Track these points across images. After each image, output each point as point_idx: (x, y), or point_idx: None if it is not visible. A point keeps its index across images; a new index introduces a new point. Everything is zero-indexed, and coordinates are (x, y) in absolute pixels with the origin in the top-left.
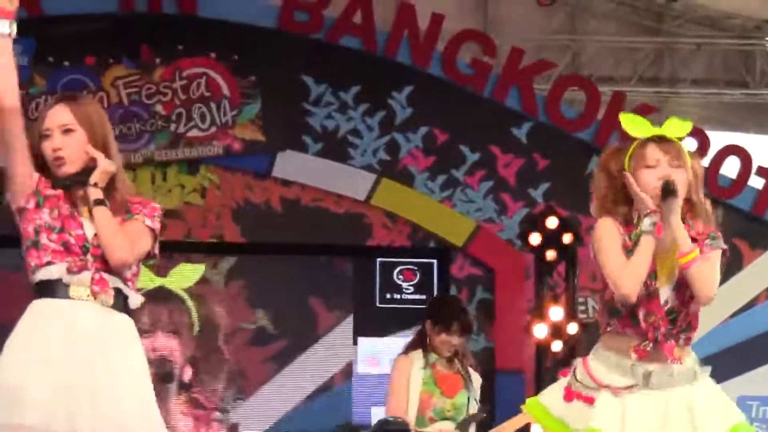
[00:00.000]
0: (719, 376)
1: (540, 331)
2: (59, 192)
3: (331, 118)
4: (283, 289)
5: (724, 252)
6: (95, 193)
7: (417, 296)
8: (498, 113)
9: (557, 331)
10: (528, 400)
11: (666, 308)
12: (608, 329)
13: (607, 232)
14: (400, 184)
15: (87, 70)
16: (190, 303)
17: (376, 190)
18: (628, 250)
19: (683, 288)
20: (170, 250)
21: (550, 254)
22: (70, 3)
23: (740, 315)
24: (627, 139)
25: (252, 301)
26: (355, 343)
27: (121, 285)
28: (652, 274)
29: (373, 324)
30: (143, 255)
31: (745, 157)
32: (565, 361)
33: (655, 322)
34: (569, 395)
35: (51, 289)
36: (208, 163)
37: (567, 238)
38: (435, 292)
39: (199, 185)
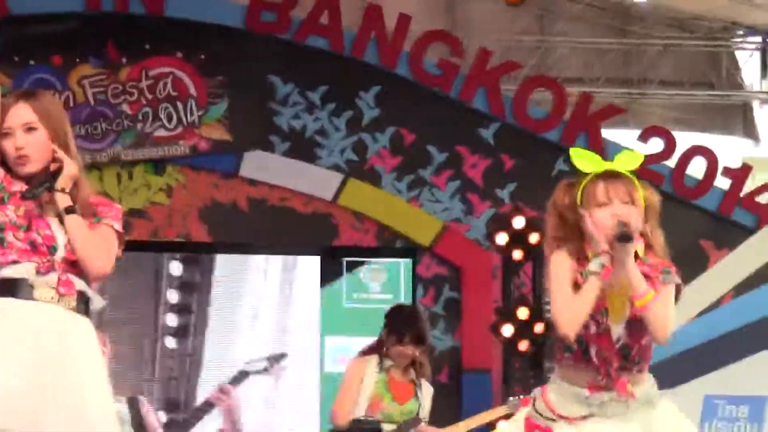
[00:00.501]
0: (685, 376)
1: (507, 330)
2: (23, 189)
3: (299, 117)
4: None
5: (678, 286)
6: (64, 200)
7: (384, 296)
8: (465, 114)
9: (524, 330)
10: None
11: (618, 345)
12: (563, 362)
13: (558, 267)
14: (367, 184)
15: (53, 70)
16: None
17: (343, 190)
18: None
19: (635, 324)
20: (137, 250)
21: (517, 254)
22: (37, 2)
23: (705, 315)
24: (595, 140)
25: None
26: (322, 343)
27: (85, 287)
28: (603, 311)
29: (340, 323)
30: (113, 259)
31: (711, 158)
32: (532, 360)
33: (608, 358)
34: (529, 427)
35: (15, 287)
36: (175, 163)
37: (534, 238)
38: (402, 292)
39: (166, 185)
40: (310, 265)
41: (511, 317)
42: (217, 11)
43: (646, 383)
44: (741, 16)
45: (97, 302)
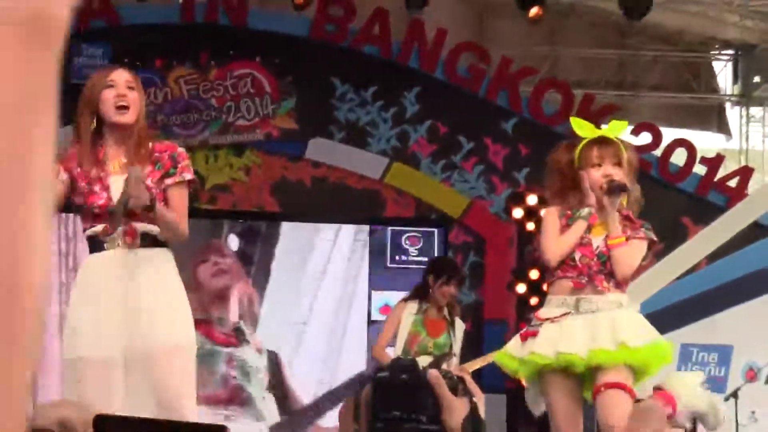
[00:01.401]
0: (666, 326)
1: (520, 288)
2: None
3: (353, 111)
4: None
5: (652, 241)
6: (145, 204)
7: (421, 258)
8: (490, 110)
9: (534, 288)
10: (497, 352)
11: (596, 252)
12: (553, 280)
13: (549, 219)
14: (408, 167)
15: (155, 71)
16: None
17: (388, 171)
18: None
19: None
20: (220, 218)
21: (530, 226)
22: (142, 15)
23: (684, 278)
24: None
25: None
26: (369, 296)
27: (148, 228)
28: (586, 230)
29: (384, 281)
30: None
31: (690, 149)
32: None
33: (588, 263)
34: (523, 338)
35: (95, 245)
36: (252, 147)
37: (544, 213)
38: (436, 255)
39: (245, 165)
40: (361, 232)
41: (524, 278)
42: (289, 23)
43: (620, 294)
44: (717, 33)
45: (162, 235)
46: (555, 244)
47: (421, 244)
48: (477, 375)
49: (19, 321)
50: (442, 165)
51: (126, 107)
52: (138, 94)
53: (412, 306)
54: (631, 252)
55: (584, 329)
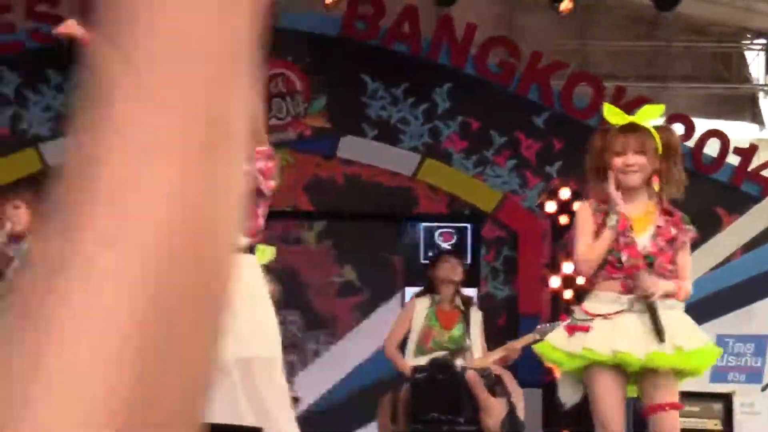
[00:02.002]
0: (702, 317)
1: (554, 282)
2: None
3: (385, 109)
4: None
5: (694, 237)
6: None
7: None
8: (521, 105)
9: (568, 282)
10: (539, 344)
11: (644, 253)
12: (599, 280)
13: (582, 219)
14: (440, 163)
15: None
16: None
17: (421, 167)
18: (594, 233)
19: (659, 240)
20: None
21: (563, 219)
22: None
23: (719, 268)
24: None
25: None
26: (402, 292)
27: None
28: (629, 228)
29: (417, 276)
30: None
31: (723, 140)
32: (574, 305)
33: (636, 264)
34: (570, 330)
35: None
36: (285, 146)
37: (577, 207)
38: (469, 251)
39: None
40: (394, 228)
41: (558, 271)
42: (319, 23)
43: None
44: (748, 22)
45: (241, 242)
46: (587, 250)
47: (454, 239)
48: (513, 369)
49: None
50: (475, 160)
51: None
52: None
53: (424, 301)
54: (687, 267)
55: (639, 328)
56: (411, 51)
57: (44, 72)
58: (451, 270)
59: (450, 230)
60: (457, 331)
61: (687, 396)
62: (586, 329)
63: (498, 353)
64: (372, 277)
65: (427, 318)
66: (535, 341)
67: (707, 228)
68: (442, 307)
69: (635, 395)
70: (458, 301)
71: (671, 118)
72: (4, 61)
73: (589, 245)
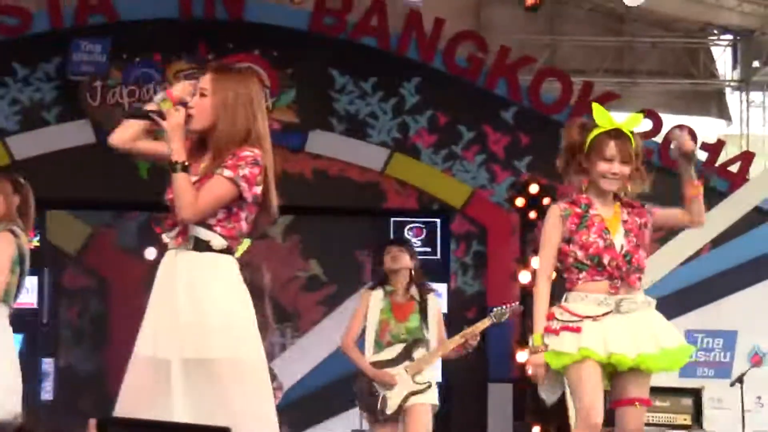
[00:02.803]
0: (671, 313)
1: (524, 277)
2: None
3: (353, 103)
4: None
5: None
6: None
7: (424, 249)
8: (489, 99)
9: None
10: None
11: (622, 253)
12: (579, 281)
13: (549, 225)
14: (409, 158)
15: (154, 65)
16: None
17: (389, 162)
18: (568, 239)
19: (630, 236)
20: None
21: (532, 214)
22: (141, 10)
23: (688, 264)
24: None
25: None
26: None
27: (199, 232)
28: (605, 230)
29: None
30: (214, 205)
31: (691, 135)
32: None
33: (618, 264)
34: (557, 331)
35: (165, 244)
36: None
37: (546, 201)
38: (438, 246)
39: None
40: (362, 224)
41: (527, 266)
42: (286, 16)
43: (642, 291)
44: (715, 18)
45: (217, 242)
46: (545, 263)
47: (424, 234)
48: (484, 365)
49: None
50: (444, 155)
51: (191, 116)
52: (213, 98)
53: (377, 294)
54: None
55: (626, 330)
56: (379, 45)
57: (10, 65)
58: (394, 259)
59: (420, 225)
60: (413, 322)
61: (657, 391)
62: (578, 330)
63: (455, 341)
64: (339, 272)
65: (382, 311)
66: (492, 325)
67: None
68: (396, 299)
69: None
70: (413, 291)
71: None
72: None
73: (549, 262)
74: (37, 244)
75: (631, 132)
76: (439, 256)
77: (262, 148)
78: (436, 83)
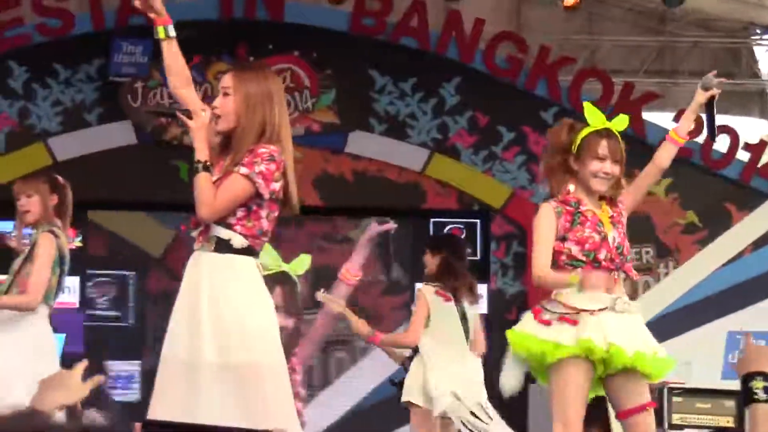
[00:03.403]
0: (711, 315)
1: None
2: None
3: (393, 104)
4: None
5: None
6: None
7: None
8: (529, 100)
9: None
10: (508, 332)
11: (614, 245)
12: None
13: (543, 224)
14: (449, 158)
15: (194, 67)
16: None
17: (429, 163)
18: (562, 237)
19: (618, 226)
20: None
21: None
22: (181, 11)
23: (729, 265)
24: (637, 121)
25: None
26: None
27: (220, 232)
28: (599, 223)
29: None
30: (231, 203)
31: (733, 135)
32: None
33: (613, 258)
34: (550, 322)
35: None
36: (293, 142)
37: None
38: (479, 246)
39: None
40: (403, 224)
41: None
42: (327, 17)
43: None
44: (758, 18)
45: (238, 241)
46: (544, 269)
47: (464, 235)
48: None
49: None
50: (483, 156)
51: (218, 117)
52: (236, 96)
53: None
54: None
55: (623, 329)
56: (419, 46)
57: (52, 66)
58: (428, 266)
59: (459, 226)
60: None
61: (698, 393)
62: (575, 323)
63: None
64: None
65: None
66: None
67: (717, 224)
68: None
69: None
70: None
71: (680, 114)
72: (12, 56)
73: (545, 258)
74: (79, 244)
75: (619, 133)
76: (479, 256)
77: (280, 143)
78: (475, 84)
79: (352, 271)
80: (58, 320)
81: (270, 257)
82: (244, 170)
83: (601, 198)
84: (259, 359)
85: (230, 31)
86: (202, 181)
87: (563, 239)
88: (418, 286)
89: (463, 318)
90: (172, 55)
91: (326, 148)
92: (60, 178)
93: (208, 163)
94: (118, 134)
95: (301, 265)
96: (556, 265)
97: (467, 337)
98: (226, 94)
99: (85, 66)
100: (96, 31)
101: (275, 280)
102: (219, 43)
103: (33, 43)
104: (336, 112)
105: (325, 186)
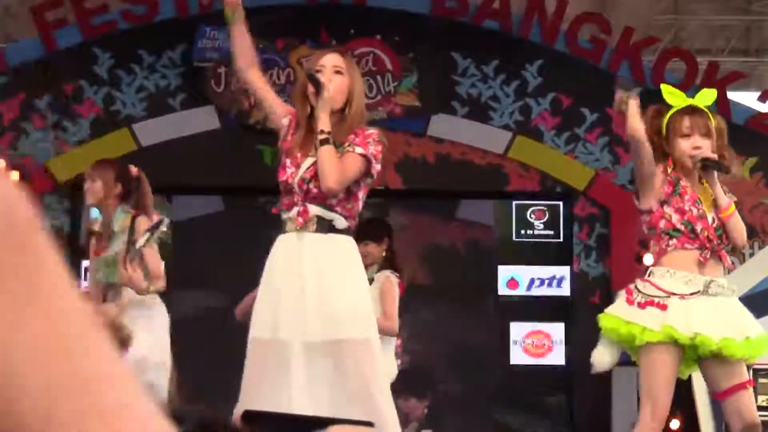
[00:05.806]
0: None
1: (648, 259)
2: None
3: (475, 86)
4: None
5: (736, 203)
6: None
7: (546, 231)
8: (612, 81)
9: None
10: (600, 315)
11: (714, 225)
12: (668, 249)
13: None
14: (532, 140)
15: (277, 51)
16: None
17: (512, 145)
18: (663, 201)
19: (718, 211)
20: None
21: None
22: None
23: None
24: (723, 100)
25: None
26: (495, 270)
27: (322, 212)
28: (698, 200)
29: (511, 255)
30: (352, 178)
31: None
32: (640, 278)
33: (709, 236)
34: (642, 305)
35: (283, 224)
36: (375, 125)
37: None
38: (561, 228)
39: None
40: (486, 207)
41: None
42: (409, 0)
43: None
44: None
45: (340, 222)
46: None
47: (547, 217)
48: None
49: None
50: (566, 137)
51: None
52: (347, 78)
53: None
54: (739, 219)
55: (712, 312)
56: (502, 28)
57: (137, 52)
58: (370, 255)
59: (542, 208)
60: None
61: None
62: (664, 307)
63: None
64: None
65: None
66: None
67: None
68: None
69: (685, 377)
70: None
71: (765, 93)
72: (97, 42)
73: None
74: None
75: (710, 111)
76: (561, 239)
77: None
78: (558, 65)
79: None
80: None
81: None
82: (359, 150)
83: (701, 182)
84: (371, 337)
85: (313, 16)
86: (329, 153)
87: (664, 203)
88: (386, 273)
89: None
90: (236, 38)
91: (408, 131)
92: (133, 169)
93: (330, 135)
94: (202, 119)
95: None
96: (654, 231)
97: None
98: (338, 72)
99: (168, 52)
100: (180, 16)
101: None
102: (302, 27)
103: (118, 29)
104: (418, 96)
105: (407, 169)
